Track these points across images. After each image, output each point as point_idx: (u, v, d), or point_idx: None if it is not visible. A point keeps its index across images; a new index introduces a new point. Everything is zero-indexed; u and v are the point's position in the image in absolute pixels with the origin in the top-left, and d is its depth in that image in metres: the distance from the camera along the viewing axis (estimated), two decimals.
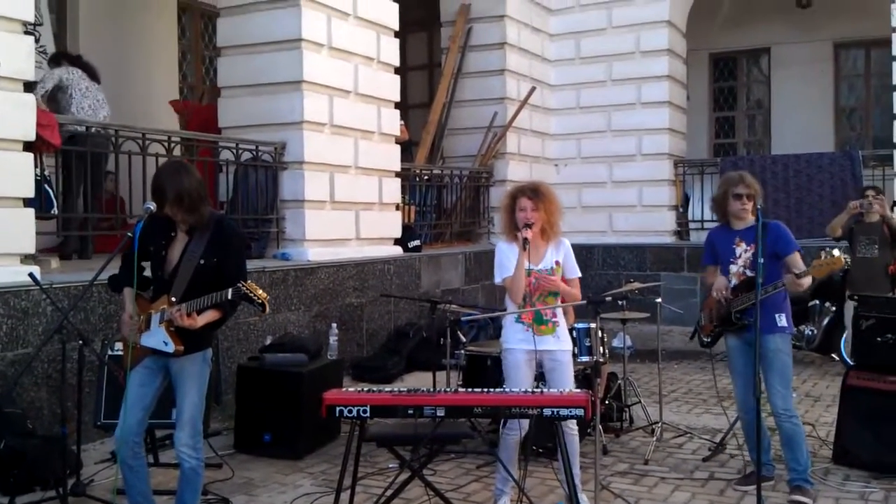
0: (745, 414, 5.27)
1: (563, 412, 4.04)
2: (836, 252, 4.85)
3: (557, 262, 4.86)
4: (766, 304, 4.92)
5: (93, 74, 8.13)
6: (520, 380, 4.75)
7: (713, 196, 5.42)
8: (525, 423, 4.61)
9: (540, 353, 4.78)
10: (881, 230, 7.96)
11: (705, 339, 5.54)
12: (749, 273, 5.07)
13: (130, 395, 4.22)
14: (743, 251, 5.16)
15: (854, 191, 11.66)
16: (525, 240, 4.69)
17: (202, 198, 4.20)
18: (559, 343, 4.84)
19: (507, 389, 4.52)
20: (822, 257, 4.87)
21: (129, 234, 4.10)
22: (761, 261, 4.58)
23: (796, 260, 5.04)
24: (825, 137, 14.71)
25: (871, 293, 6.93)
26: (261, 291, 4.11)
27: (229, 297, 4.08)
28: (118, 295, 4.47)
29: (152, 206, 4.11)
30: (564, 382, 4.77)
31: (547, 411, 4.03)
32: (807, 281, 5.00)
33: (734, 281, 5.19)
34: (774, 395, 5.08)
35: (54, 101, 7.75)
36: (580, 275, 4.99)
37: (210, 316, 4.20)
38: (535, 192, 4.80)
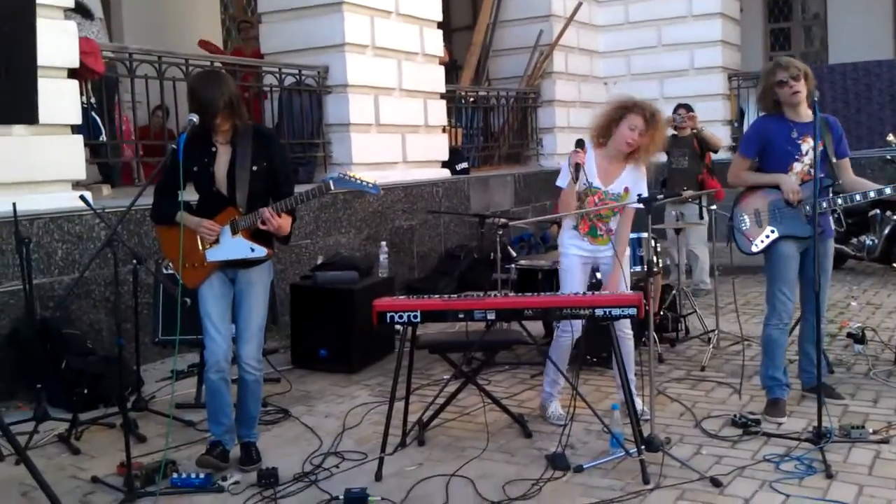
0: (784, 324, 4.84)
1: (616, 312, 3.97)
2: None
3: (626, 189, 4.72)
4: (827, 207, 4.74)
5: (85, 12, 7.89)
6: (573, 283, 4.73)
7: (758, 93, 4.85)
8: (578, 325, 4.58)
9: (595, 258, 4.76)
10: (691, 144, 8.59)
11: (756, 245, 4.84)
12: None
13: (213, 311, 4.13)
14: (810, 148, 4.59)
15: None
16: (578, 166, 4.46)
17: (241, 99, 4.17)
18: (612, 250, 4.76)
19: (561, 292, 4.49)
20: None
21: (173, 145, 4.03)
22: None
23: (847, 166, 4.78)
24: (884, 45, 14.16)
25: None
26: (360, 175, 4.03)
27: (332, 187, 3.98)
28: (164, 225, 4.25)
29: (195, 118, 4.02)
30: (620, 283, 4.69)
31: (599, 311, 3.98)
32: None
33: (796, 180, 4.69)
34: (825, 297, 4.81)
35: None
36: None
37: (289, 223, 4.14)
38: (653, 117, 4.61)
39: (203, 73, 4.53)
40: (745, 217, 4.91)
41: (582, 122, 8.80)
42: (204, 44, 9.96)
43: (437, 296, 4.50)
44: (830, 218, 4.88)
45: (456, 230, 9.33)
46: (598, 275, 4.97)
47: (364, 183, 4.00)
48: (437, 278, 8.56)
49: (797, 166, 4.72)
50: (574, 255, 4.77)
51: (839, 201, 4.69)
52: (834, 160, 4.69)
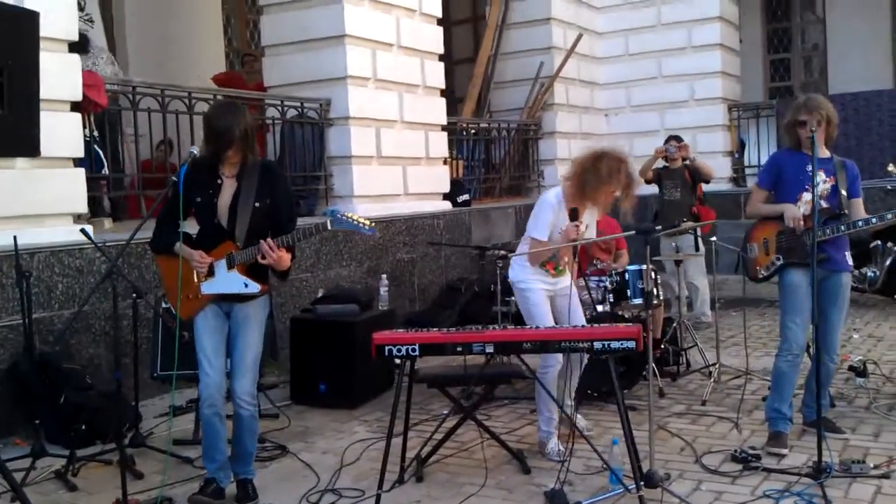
0: (794, 356, 4.86)
1: (614, 345, 3.96)
2: None
3: (587, 226, 4.90)
4: (842, 242, 4.83)
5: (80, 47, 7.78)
6: (542, 315, 4.79)
7: (784, 123, 5.01)
8: (560, 357, 4.67)
9: (555, 290, 4.88)
10: (683, 175, 8.63)
11: (762, 272, 5.00)
12: (825, 204, 4.72)
13: (207, 344, 4.13)
14: (822, 181, 4.73)
15: None
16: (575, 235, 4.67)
17: (255, 133, 4.19)
18: (568, 279, 4.97)
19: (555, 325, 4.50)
20: None
21: (174, 177, 4.05)
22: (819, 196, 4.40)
23: (860, 205, 4.87)
24: (884, 76, 14.23)
25: None
26: (359, 216, 4.04)
27: (329, 227, 3.99)
28: (164, 255, 4.30)
29: (195, 150, 4.07)
30: (579, 314, 4.92)
31: (597, 344, 3.97)
32: None
33: (804, 209, 4.76)
34: (837, 334, 4.91)
35: None
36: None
37: (288, 258, 4.13)
38: (632, 182, 4.77)
39: (221, 103, 4.60)
40: (755, 246, 5.05)
41: None
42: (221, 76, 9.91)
43: (435, 329, 4.50)
44: (847, 253, 4.89)
45: (457, 263, 9.34)
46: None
47: (361, 224, 4.00)
48: (437, 311, 8.55)
49: (806, 196, 4.79)
50: (541, 288, 4.86)
51: (842, 227, 4.76)
52: (844, 193, 4.80)
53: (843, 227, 4.76)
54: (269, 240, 4.03)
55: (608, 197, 4.73)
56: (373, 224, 4.06)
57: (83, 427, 5.11)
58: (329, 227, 4.01)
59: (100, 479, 4.62)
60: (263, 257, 4.03)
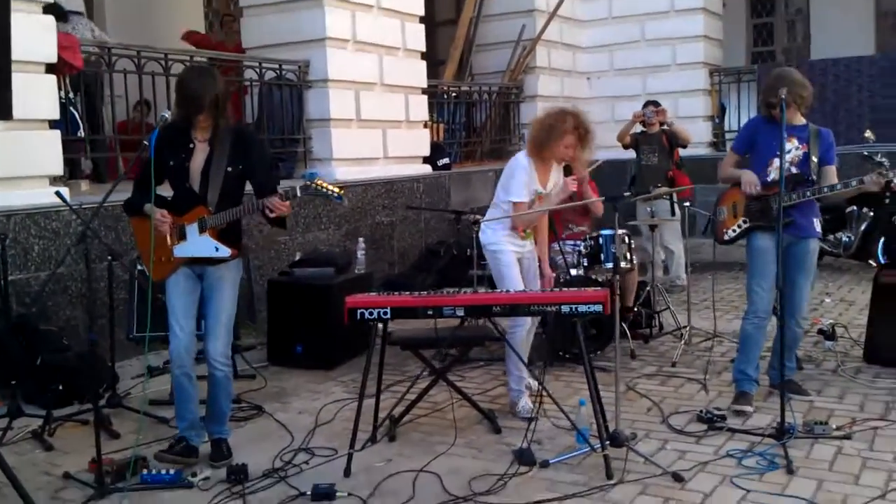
0: (759, 319, 4.95)
1: (582, 308, 4.04)
2: None
3: (556, 184, 5.09)
4: (809, 208, 4.89)
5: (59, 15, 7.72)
6: (514, 276, 4.91)
7: (762, 92, 5.03)
8: (528, 318, 4.80)
9: (523, 252, 5.05)
10: (660, 140, 8.60)
11: (728, 234, 5.08)
12: (794, 171, 4.82)
13: (178, 305, 4.19)
14: (794, 148, 4.83)
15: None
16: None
17: (228, 99, 4.22)
18: (532, 243, 5.16)
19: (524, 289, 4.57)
20: None
21: (146, 141, 4.07)
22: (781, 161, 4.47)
23: (832, 172, 4.91)
24: (866, 41, 14.25)
25: None
26: (330, 185, 4.08)
27: (298, 194, 4.04)
28: (137, 217, 4.34)
29: (168, 114, 4.09)
30: (538, 278, 5.11)
31: (565, 308, 4.05)
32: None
33: (774, 175, 4.78)
34: (804, 298, 4.99)
35: None
36: None
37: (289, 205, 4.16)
38: (587, 133, 4.90)
39: (194, 68, 4.61)
40: (724, 209, 5.16)
41: None
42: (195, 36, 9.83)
43: (408, 292, 4.56)
44: (815, 220, 4.95)
45: (437, 226, 9.38)
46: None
47: (330, 192, 4.05)
48: (416, 274, 8.61)
49: (776, 162, 4.77)
50: (512, 251, 5.00)
51: (808, 193, 4.82)
52: (815, 160, 4.86)
53: (808, 193, 4.82)
54: (273, 198, 4.07)
55: (567, 150, 4.87)
56: (342, 192, 4.11)
57: (60, 387, 5.15)
58: (298, 195, 4.07)
59: (76, 439, 4.69)
60: (272, 211, 4.08)
